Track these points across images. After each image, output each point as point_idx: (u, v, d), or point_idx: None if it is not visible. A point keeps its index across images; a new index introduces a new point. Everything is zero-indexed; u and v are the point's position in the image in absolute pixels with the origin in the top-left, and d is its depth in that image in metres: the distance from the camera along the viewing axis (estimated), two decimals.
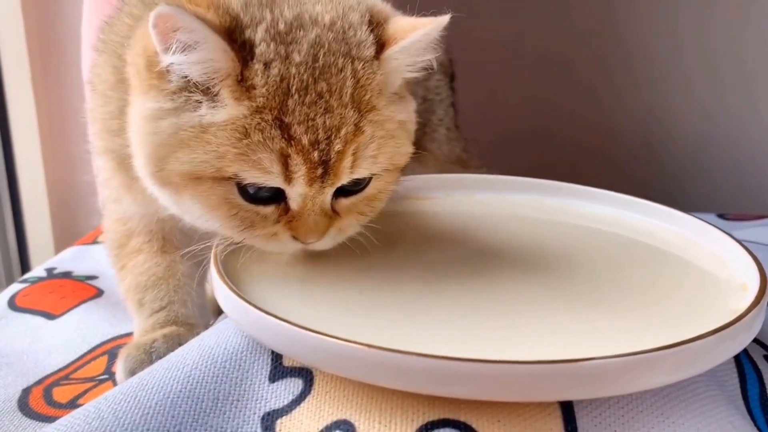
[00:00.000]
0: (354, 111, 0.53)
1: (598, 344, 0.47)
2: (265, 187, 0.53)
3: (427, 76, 0.92)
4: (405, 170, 0.62)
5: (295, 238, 0.55)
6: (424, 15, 0.56)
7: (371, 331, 0.46)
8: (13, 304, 0.82)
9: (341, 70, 0.53)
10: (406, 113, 0.59)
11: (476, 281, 0.56)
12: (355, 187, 0.56)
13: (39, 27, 1.29)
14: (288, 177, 0.52)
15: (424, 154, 0.92)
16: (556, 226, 0.69)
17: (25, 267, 1.41)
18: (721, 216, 1.06)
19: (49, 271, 0.91)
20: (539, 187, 0.74)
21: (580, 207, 0.72)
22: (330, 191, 0.54)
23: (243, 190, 0.53)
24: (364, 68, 0.54)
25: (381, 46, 0.55)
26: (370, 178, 0.57)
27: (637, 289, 0.57)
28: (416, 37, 0.54)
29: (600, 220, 0.70)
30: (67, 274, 0.90)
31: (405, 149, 0.59)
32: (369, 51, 0.55)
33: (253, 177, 0.52)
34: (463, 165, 0.95)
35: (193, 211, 0.55)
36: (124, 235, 0.70)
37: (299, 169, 0.52)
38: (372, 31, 0.56)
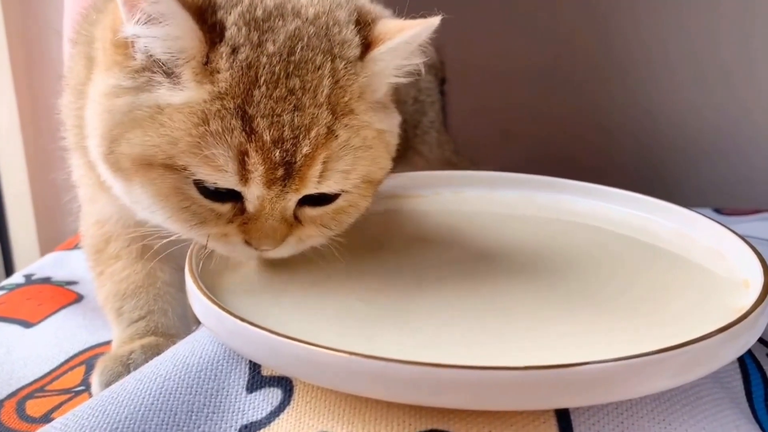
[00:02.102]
0: (328, 113, 0.50)
1: (594, 348, 0.45)
2: (217, 186, 0.49)
3: (419, 78, 0.90)
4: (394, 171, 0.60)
5: (248, 243, 0.52)
6: (415, 17, 0.53)
7: (354, 339, 0.44)
8: None
9: (319, 68, 0.50)
10: (388, 124, 0.56)
11: (467, 283, 0.54)
12: (325, 196, 0.53)
13: (20, 23, 1.26)
14: (244, 177, 0.49)
15: (413, 157, 0.90)
16: (549, 223, 0.67)
17: (9, 272, 1.39)
18: (717, 210, 1.03)
19: (28, 277, 0.88)
20: (530, 182, 0.72)
21: (573, 203, 0.70)
22: (293, 198, 0.51)
23: (198, 182, 0.50)
24: (345, 68, 0.51)
25: (367, 47, 0.52)
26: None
27: (634, 287, 0.54)
28: (404, 37, 0.52)
29: (594, 216, 0.67)
30: (46, 280, 0.87)
31: (383, 163, 0.55)
32: (353, 51, 0.52)
33: (204, 174, 0.48)
34: (453, 168, 0.92)
35: (142, 201, 0.52)
36: (101, 240, 0.68)
37: (257, 168, 0.48)
38: (359, 31, 0.53)
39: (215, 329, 0.48)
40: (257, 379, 0.47)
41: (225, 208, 0.51)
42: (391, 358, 0.39)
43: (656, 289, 0.54)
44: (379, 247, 0.60)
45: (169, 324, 0.62)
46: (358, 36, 0.52)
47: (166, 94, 0.49)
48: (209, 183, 0.49)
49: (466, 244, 0.62)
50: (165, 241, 0.55)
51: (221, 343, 0.49)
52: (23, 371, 0.68)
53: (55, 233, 1.34)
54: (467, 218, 0.68)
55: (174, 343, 0.57)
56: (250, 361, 0.48)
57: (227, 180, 0.49)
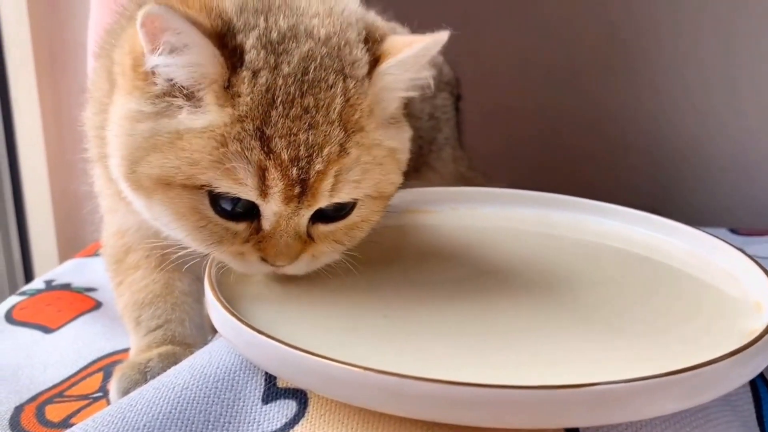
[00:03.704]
0: (340, 130, 0.51)
1: (606, 367, 0.45)
2: (239, 200, 0.51)
3: (435, 94, 0.92)
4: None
5: (264, 260, 0.53)
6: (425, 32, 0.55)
7: (369, 354, 0.45)
8: (10, 318, 0.80)
9: (331, 87, 0.51)
10: (399, 140, 0.57)
11: (480, 300, 0.54)
12: (337, 213, 0.54)
13: (46, 35, 1.28)
14: (263, 192, 0.50)
15: (428, 173, 0.91)
16: (564, 242, 0.67)
17: (29, 278, 1.40)
18: (733, 231, 1.03)
19: (48, 283, 0.89)
20: (546, 201, 0.73)
21: (588, 222, 0.70)
22: (307, 213, 0.52)
23: (215, 202, 0.51)
24: (355, 87, 0.52)
25: (375, 62, 0.54)
26: (353, 205, 0.55)
27: (646, 308, 0.55)
28: (412, 51, 0.53)
29: (609, 235, 0.68)
30: (65, 286, 0.88)
31: (393, 178, 0.57)
32: (362, 70, 0.53)
33: (226, 186, 0.50)
34: (467, 184, 0.93)
35: (162, 218, 0.54)
36: (121, 250, 0.69)
37: (276, 184, 0.50)
38: (368, 49, 0.54)
39: (233, 340, 0.49)
40: (273, 390, 0.48)
41: (240, 227, 0.53)
42: (406, 374, 0.40)
43: (668, 309, 0.54)
44: (395, 261, 0.61)
45: (186, 333, 0.63)
46: (367, 54, 0.54)
47: (187, 119, 0.51)
48: (232, 194, 0.50)
49: (480, 261, 0.63)
50: (183, 253, 0.56)
51: (238, 354, 0.50)
52: (43, 376, 0.69)
53: (75, 240, 1.36)
54: (482, 235, 0.68)
55: (191, 352, 0.58)
56: (266, 373, 0.49)
57: (247, 193, 0.50)
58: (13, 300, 0.84)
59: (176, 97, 0.51)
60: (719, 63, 1.23)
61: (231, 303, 0.50)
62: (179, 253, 0.57)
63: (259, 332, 0.46)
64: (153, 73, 0.52)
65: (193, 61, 0.50)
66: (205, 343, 0.63)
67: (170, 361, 0.58)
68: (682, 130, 1.28)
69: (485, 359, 0.47)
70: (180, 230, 0.53)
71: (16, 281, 1.41)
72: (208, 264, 0.55)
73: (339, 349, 0.43)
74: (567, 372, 0.44)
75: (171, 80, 0.51)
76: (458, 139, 0.99)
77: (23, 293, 0.86)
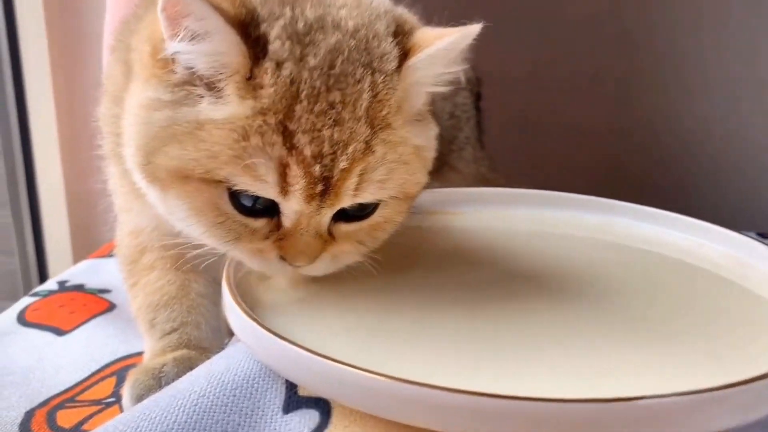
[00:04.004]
0: (366, 127, 0.49)
1: (648, 379, 0.42)
2: (259, 197, 0.49)
3: (455, 92, 0.90)
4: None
5: (283, 258, 0.51)
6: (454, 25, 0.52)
7: (397, 362, 0.42)
8: (22, 319, 0.78)
9: (359, 81, 0.49)
10: (425, 138, 0.55)
11: (513, 305, 0.52)
12: (359, 212, 0.52)
13: (61, 31, 1.28)
14: (284, 189, 0.48)
15: (449, 173, 0.89)
16: (594, 245, 0.65)
17: (43, 278, 1.39)
18: (761, 235, 0.99)
19: (61, 284, 0.88)
20: (577, 202, 0.70)
21: (618, 225, 0.67)
22: (328, 213, 0.50)
23: (234, 197, 0.49)
24: (384, 82, 0.50)
25: (404, 56, 0.51)
26: (377, 205, 0.53)
27: (689, 316, 0.52)
28: (443, 45, 0.50)
29: (645, 239, 0.65)
30: (79, 287, 0.87)
31: (418, 178, 0.54)
32: (391, 64, 0.51)
33: (245, 183, 0.48)
34: (488, 185, 0.91)
35: (178, 213, 0.52)
36: (136, 250, 0.67)
37: (297, 182, 0.48)
38: (397, 42, 0.52)
39: (252, 345, 0.47)
40: (294, 399, 0.45)
41: (259, 223, 0.50)
42: (439, 384, 0.37)
43: (712, 317, 0.52)
44: (419, 264, 0.58)
45: (202, 337, 0.61)
46: (397, 47, 0.51)
47: (207, 109, 0.48)
48: (251, 192, 0.48)
49: (508, 264, 0.60)
50: (199, 252, 0.54)
51: (257, 360, 0.47)
52: (54, 379, 0.67)
53: (89, 240, 1.35)
54: (508, 237, 0.66)
55: (207, 356, 0.56)
56: (287, 380, 0.46)
57: (267, 191, 0.48)
58: (25, 301, 0.82)
59: (196, 86, 0.49)
60: (746, 63, 1.20)
61: (250, 306, 0.48)
62: (195, 252, 0.55)
63: (280, 337, 0.43)
64: (172, 60, 0.50)
65: (214, 49, 0.47)
66: (221, 347, 0.61)
67: (185, 366, 0.55)
68: (707, 131, 1.25)
69: (522, 369, 0.44)
70: (197, 226, 0.51)
71: (31, 282, 1.41)
72: (226, 264, 0.53)
73: (365, 357, 0.41)
74: (610, 384, 0.42)
75: (191, 69, 0.49)
76: (479, 139, 0.97)
77: (36, 294, 0.85)
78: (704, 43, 1.20)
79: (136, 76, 0.53)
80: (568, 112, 1.25)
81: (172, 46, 0.48)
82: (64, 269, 0.96)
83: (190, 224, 0.52)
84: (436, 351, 0.46)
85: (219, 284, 0.53)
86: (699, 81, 1.22)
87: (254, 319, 0.45)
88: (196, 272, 0.63)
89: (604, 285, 0.57)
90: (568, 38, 1.23)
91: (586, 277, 0.58)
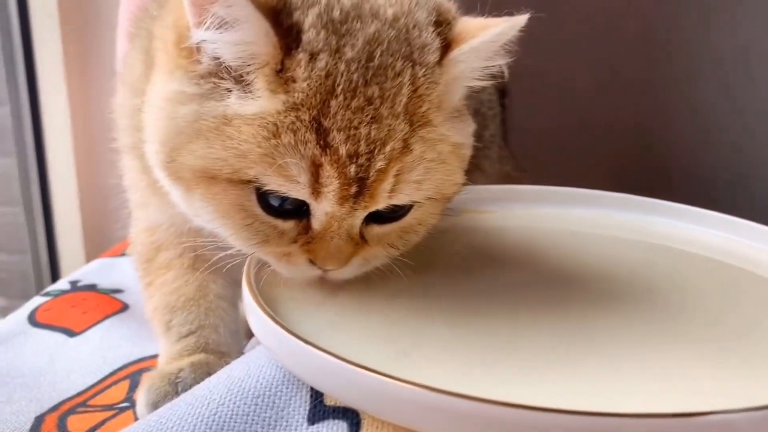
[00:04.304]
0: (405, 124, 0.46)
1: (708, 392, 0.39)
2: (288, 198, 0.46)
3: (481, 89, 0.86)
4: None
5: (312, 262, 0.48)
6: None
7: (433, 370, 0.39)
8: (33, 320, 0.77)
9: (398, 75, 0.46)
10: (464, 135, 0.52)
11: (554, 310, 0.49)
12: (392, 213, 0.49)
13: (75, 24, 1.26)
14: (316, 190, 0.45)
15: (473, 172, 0.86)
16: (636, 246, 0.62)
17: (55, 277, 1.38)
18: None
19: (73, 283, 0.86)
20: (608, 201, 0.67)
21: (656, 224, 0.64)
22: (362, 215, 0.47)
23: (262, 198, 0.46)
24: (425, 75, 0.47)
25: (446, 48, 0.48)
26: (410, 206, 0.49)
27: (743, 323, 0.48)
28: (488, 36, 0.47)
29: (687, 240, 0.62)
30: (91, 287, 0.85)
31: (456, 178, 0.51)
32: (433, 56, 0.48)
33: (276, 184, 0.45)
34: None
35: (203, 214, 0.49)
36: (152, 248, 0.64)
37: (331, 183, 0.45)
38: (439, 33, 0.49)
39: (275, 350, 0.43)
40: (320, 409, 0.42)
41: (288, 225, 0.48)
42: (480, 396, 0.34)
43: (759, 321, 0.48)
44: (451, 265, 0.55)
45: (221, 341, 0.58)
46: (438, 38, 0.48)
47: (235, 104, 0.46)
48: (282, 193, 0.45)
49: (544, 266, 0.57)
50: (222, 254, 0.51)
51: (280, 366, 0.44)
52: (66, 383, 0.65)
53: (102, 239, 1.33)
54: (541, 237, 0.63)
55: (225, 361, 0.54)
56: (313, 389, 0.43)
57: (298, 191, 0.45)
58: (36, 301, 0.81)
59: (224, 79, 0.46)
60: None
61: (273, 308, 0.45)
62: (218, 255, 0.52)
63: (305, 342, 0.40)
64: (198, 50, 0.47)
65: (243, 38, 0.44)
66: (240, 351, 0.59)
67: (203, 371, 0.53)
68: (728, 128, 1.21)
69: (570, 379, 0.41)
70: (223, 228, 0.49)
71: (43, 281, 1.40)
72: (246, 264, 0.50)
73: (398, 364, 0.38)
74: (670, 396, 0.38)
75: (218, 59, 0.46)
76: (504, 137, 0.95)
77: (47, 294, 0.83)
78: (723, 39, 1.17)
79: (159, 67, 0.51)
80: (587, 109, 1.23)
81: (198, 35, 0.45)
82: (77, 268, 0.94)
83: (217, 226, 0.49)
84: (475, 359, 0.43)
85: (238, 285, 0.50)
86: (719, 77, 1.19)
87: (278, 322, 0.42)
88: (215, 272, 0.60)
89: (648, 288, 0.53)
90: (586, 35, 1.20)
91: (628, 279, 0.55)
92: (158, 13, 0.55)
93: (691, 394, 0.38)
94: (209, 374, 0.50)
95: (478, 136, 0.88)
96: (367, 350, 0.42)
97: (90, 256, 1.30)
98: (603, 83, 1.22)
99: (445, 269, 0.55)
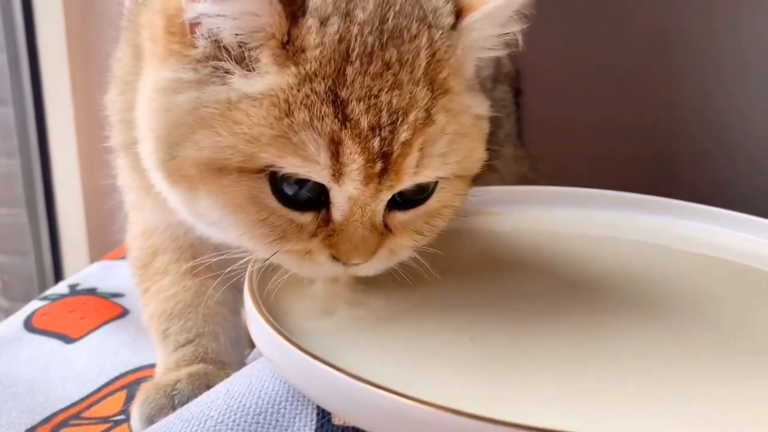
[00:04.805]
0: (426, 91, 0.42)
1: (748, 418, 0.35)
2: (306, 182, 0.42)
3: (493, 86, 0.84)
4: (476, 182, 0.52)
5: (335, 258, 0.44)
6: None
7: (456, 389, 0.36)
8: (29, 325, 0.74)
9: (415, 37, 0.43)
10: (483, 108, 0.49)
11: (583, 320, 0.45)
12: (416, 196, 0.46)
13: (80, 29, 1.25)
14: (337, 171, 0.41)
15: (486, 173, 0.83)
16: (660, 250, 0.58)
17: (59, 279, 1.36)
18: None
19: (72, 287, 0.84)
20: (630, 202, 0.63)
21: (686, 228, 0.61)
22: (386, 197, 0.44)
23: (277, 187, 0.42)
24: (441, 39, 0.44)
25: (458, 14, 0.45)
26: (434, 187, 0.46)
27: None
28: (502, 1, 0.44)
29: (714, 245, 0.58)
30: (91, 291, 0.83)
31: (479, 153, 0.48)
32: (447, 19, 0.45)
33: (293, 166, 0.41)
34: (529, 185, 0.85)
35: (209, 214, 0.45)
36: (148, 253, 0.61)
37: (353, 160, 0.41)
38: None
39: (278, 364, 0.40)
40: (327, 428, 0.39)
41: (307, 218, 0.44)
42: (511, 421, 0.30)
43: None
44: (467, 271, 0.52)
45: (220, 350, 0.55)
46: (450, 3, 0.45)
47: (239, 84, 0.42)
48: (300, 175, 0.41)
49: (565, 272, 0.54)
50: (220, 259, 0.48)
51: (284, 381, 0.41)
52: (60, 392, 0.63)
53: (106, 241, 1.32)
54: (560, 240, 0.59)
55: (225, 372, 0.51)
56: (319, 407, 0.40)
57: (318, 173, 0.41)
58: (34, 305, 0.79)
59: (222, 60, 0.43)
60: None
61: (277, 317, 0.42)
62: (216, 260, 0.49)
63: (312, 356, 0.37)
64: (192, 32, 0.43)
65: (243, 8, 0.41)
66: (242, 360, 0.56)
67: (202, 382, 0.50)
68: (746, 126, 1.19)
69: (606, 400, 0.37)
70: (234, 227, 0.44)
71: (46, 283, 1.39)
72: (248, 270, 0.46)
73: (416, 382, 0.35)
74: (722, 418, 0.34)
75: (215, 39, 0.43)
76: (519, 137, 0.92)
77: (45, 298, 0.81)
78: (741, 36, 1.15)
79: (149, 57, 0.47)
80: (601, 108, 1.19)
81: (193, 9, 0.42)
82: (80, 270, 0.92)
83: (225, 226, 0.45)
84: (497, 377, 0.39)
85: (240, 290, 0.47)
86: (739, 75, 1.16)
87: (282, 333, 0.39)
88: (214, 277, 0.56)
89: (677, 299, 0.50)
90: (601, 34, 1.18)
91: (655, 287, 0.52)
92: (143, 3, 0.52)
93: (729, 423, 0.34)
94: (208, 386, 0.48)
95: (492, 135, 0.85)
96: (380, 366, 0.38)
97: (94, 258, 1.28)
98: (615, 82, 1.19)
99: (460, 278, 0.52)
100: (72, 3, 1.24)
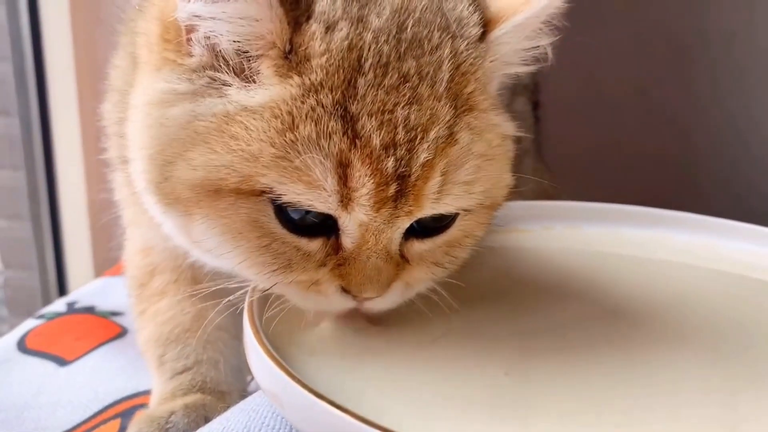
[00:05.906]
0: (449, 107, 0.38)
1: None
2: (312, 209, 0.38)
3: (511, 99, 0.80)
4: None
5: (345, 290, 0.40)
6: None
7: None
8: (22, 345, 0.71)
9: (437, 48, 0.39)
10: (509, 127, 0.45)
11: (624, 350, 0.41)
12: (435, 224, 0.41)
13: (87, 40, 1.23)
14: (345, 198, 0.37)
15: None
16: (693, 271, 0.55)
17: (63, 294, 1.34)
18: None
19: (70, 305, 0.81)
20: (661, 219, 0.60)
21: (720, 247, 0.56)
22: (405, 223, 0.39)
23: (281, 211, 0.38)
24: (467, 51, 0.40)
25: (485, 26, 0.42)
26: (456, 214, 0.42)
27: None
28: (532, 11, 0.41)
29: (750, 264, 0.54)
30: (89, 309, 0.80)
31: (506, 178, 0.44)
32: (474, 30, 0.41)
33: (295, 193, 0.37)
34: (549, 200, 0.81)
35: (206, 241, 0.41)
36: (146, 271, 0.58)
37: (363, 184, 0.37)
38: (476, 8, 0.42)
39: (280, 401, 0.36)
40: None
41: (315, 245, 0.40)
42: None
43: None
44: (493, 296, 0.48)
45: (220, 379, 0.52)
46: (477, 12, 0.42)
47: (238, 97, 0.39)
48: (302, 204, 0.37)
49: (601, 296, 0.50)
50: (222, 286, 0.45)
51: (287, 420, 0.37)
52: (50, 420, 0.60)
53: (111, 255, 1.30)
54: (591, 261, 0.56)
55: (224, 404, 0.48)
56: None
57: (324, 200, 0.37)
58: (29, 324, 0.76)
59: (219, 70, 0.39)
60: None
61: (279, 351, 0.38)
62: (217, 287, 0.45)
63: (317, 395, 0.33)
64: (188, 39, 0.40)
65: (242, 12, 0.38)
66: (243, 390, 0.52)
67: (198, 414, 0.47)
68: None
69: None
70: (233, 255, 0.40)
71: (50, 298, 1.37)
72: (247, 298, 0.42)
73: (434, 426, 0.30)
74: None
75: (213, 47, 0.39)
76: (538, 150, 0.89)
77: (42, 317, 0.78)
78: (760, 47, 1.11)
79: (143, 65, 0.44)
80: (620, 127, 1.17)
81: (187, 9, 0.38)
82: (83, 286, 0.89)
83: (223, 253, 0.41)
84: (519, 420, 0.35)
85: (241, 315, 0.43)
86: (759, 88, 1.13)
87: (284, 368, 0.35)
88: (214, 300, 0.52)
89: (716, 322, 0.46)
90: (618, 52, 1.15)
91: (692, 311, 0.48)
92: (141, 4, 0.48)
93: None
94: (205, 418, 0.45)
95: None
96: (393, 407, 0.34)
97: (99, 273, 1.26)
98: (633, 100, 1.17)
99: (487, 305, 0.47)
100: (79, 13, 1.22)
